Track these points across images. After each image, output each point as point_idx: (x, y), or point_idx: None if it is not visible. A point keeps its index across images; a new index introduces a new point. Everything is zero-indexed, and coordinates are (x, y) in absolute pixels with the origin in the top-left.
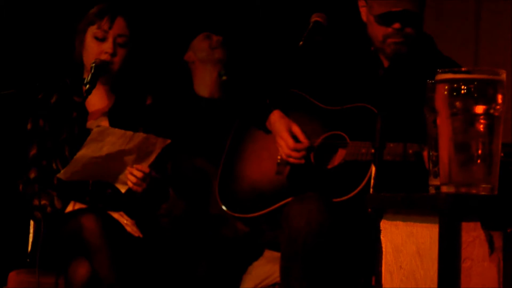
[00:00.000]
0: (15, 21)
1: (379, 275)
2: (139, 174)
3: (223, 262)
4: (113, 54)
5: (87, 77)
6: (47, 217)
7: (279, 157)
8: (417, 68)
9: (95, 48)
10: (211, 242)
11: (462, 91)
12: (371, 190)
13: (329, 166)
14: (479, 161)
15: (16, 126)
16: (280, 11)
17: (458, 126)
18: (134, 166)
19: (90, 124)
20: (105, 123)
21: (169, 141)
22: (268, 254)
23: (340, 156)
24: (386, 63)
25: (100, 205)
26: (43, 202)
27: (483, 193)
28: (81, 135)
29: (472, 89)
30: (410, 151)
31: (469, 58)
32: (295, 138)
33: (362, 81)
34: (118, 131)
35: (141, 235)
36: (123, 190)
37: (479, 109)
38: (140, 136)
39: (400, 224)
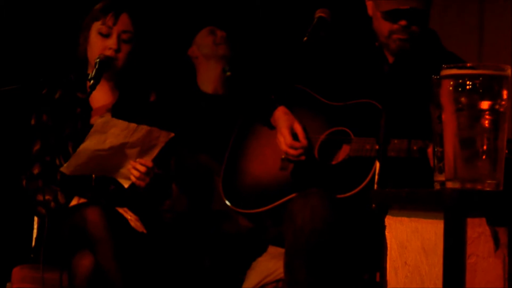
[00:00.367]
0: (20, 17)
1: (384, 271)
2: (142, 169)
3: (227, 258)
4: (117, 50)
5: (91, 72)
6: (51, 212)
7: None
8: (422, 64)
9: (100, 44)
10: (215, 238)
11: (467, 87)
12: (376, 186)
13: (333, 162)
14: (484, 157)
15: (20, 122)
16: (284, 7)
17: (463, 121)
18: (138, 160)
19: (94, 120)
20: None
21: (172, 134)
22: (272, 250)
23: (344, 152)
24: (391, 59)
25: (103, 201)
26: (46, 197)
27: (488, 189)
28: (85, 131)
29: (477, 84)
30: (415, 148)
31: (473, 54)
32: (294, 136)
33: (366, 77)
34: (122, 123)
35: (145, 231)
36: (126, 185)
37: (484, 104)
38: (144, 128)
39: (405, 220)
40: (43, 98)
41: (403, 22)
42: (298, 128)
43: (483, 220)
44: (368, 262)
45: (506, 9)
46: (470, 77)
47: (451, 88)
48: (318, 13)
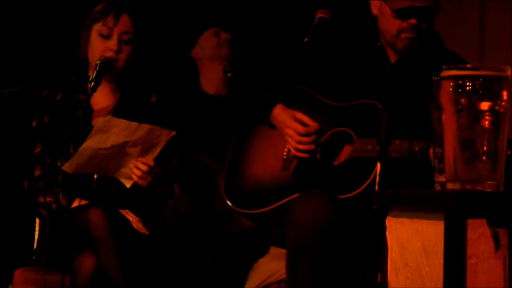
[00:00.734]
0: (20, 19)
1: (385, 272)
2: (144, 168)
3: (229, 258)
4: (118, 51)
5: (92, 74)
6: (53, 214)
7: (285, 152)
8: (424, 64)
9: (100, 45)
10: (216, 238)
11: (467, 88)
12: (377, 187)
13: (335, 163)
14: (484, 157)
15: (21, 124)
16: (285, 7)
17: (463, 122)
18: (139, 159)
19: (95, 122)
20: None
21: (174, 133)
22: (274, 250)
23: (346, 152)
24: (393, 59)
25: (105, 202)
26: (48, 199)
27: (488, 190)
28: (86, 133)
29: (477, 85)
30: (416, 148)
31: (474, 55)
32: (302, 124)
33: (368, 77)
34: (123, 122)
35: (147, 232)
36: (128, 185)
37: (484, 105)
38: (145, 127)
39: (405, 221)
40: (45, 99)
41: (413, 21)
42: (301, 116)
43: (484, 221)
44: (369, 262)
45: (507, 9)
46: (470, 78)
47: (451, 89)
48: (319, 14)
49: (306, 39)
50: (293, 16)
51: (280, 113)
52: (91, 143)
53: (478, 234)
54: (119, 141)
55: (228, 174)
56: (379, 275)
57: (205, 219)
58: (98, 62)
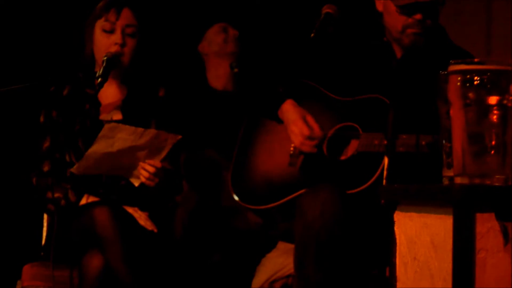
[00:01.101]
0: (28, 16)
1: (393, 266)
2: (151, 169)
3: (236, 254)
4: (123, 45)
5: (99, 70)
6: (61, 210)
7: (292, 148)
8: (430, 59)
9: (105, 40)
10: (224, 234)
11: (475, 82)
12: (384, 181)
13: (342, 158)
14: (492, 152)
15: (29, 120)
16: (291, 3)
17: (471, 117)
18: (146, 161)
19: (104, 117)
20: (118, 116)
21: (179, 137)
22: (282, 245)
23: (352, 147)
24: (399, 54)
25: (114, 197)
26: (56, 195)
27: (497, 184)
28: (94, 127)
29: (485, 80)
30: (423, 143)
31: (481, 49)
32: (309, 127)
33: (374, 72)
34: (129, 128)
35: (155, 229)
36: (136, 184)
37: (492, 100)
38: (151, 132)
39: (414, 215)
40: (52, 95)
41: (418, 16)
42: (311, 120)
43: (492, 215)
44: (378, 257)
45: None
46: (478, 72)
47: (459, 83)
48: (325, 9)
49: (312, 35)
50: (299, 11)
51: (290, 109)
52: (98, 148)
53: (486, 228)
54: (125, 145)
55: (235, 170)
56: (387, 269)
57: (213, 215)
58: (105, 58)
